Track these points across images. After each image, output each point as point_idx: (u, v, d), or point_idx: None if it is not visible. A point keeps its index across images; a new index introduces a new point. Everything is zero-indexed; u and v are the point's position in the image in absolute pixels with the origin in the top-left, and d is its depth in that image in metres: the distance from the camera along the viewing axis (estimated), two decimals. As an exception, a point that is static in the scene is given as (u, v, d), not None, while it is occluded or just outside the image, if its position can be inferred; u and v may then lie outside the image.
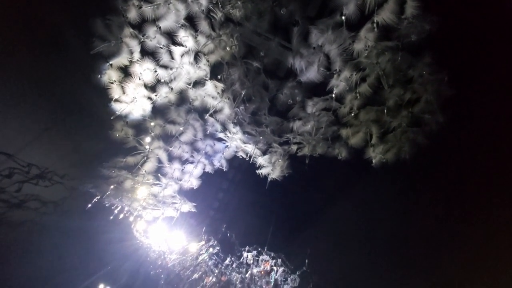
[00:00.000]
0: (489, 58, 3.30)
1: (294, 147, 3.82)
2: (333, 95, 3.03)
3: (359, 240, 4.95)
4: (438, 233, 3.74)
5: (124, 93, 3.65)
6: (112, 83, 3.53)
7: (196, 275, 5.17)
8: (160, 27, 3.19)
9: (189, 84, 3.64)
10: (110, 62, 3.39)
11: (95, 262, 6.87)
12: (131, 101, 3.66)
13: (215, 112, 3.78)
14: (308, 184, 5.12)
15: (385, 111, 3.39)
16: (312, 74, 2.73)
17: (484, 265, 3.01)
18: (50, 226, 4.93)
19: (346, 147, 3.74)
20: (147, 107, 3.78)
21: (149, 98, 3.74)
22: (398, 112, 3.46)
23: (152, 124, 3.94)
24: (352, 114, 3.33)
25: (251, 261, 4.65)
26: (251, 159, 3.91)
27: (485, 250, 3.04)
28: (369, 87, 3.09)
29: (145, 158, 4.18)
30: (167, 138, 4.15)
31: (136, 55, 3.41)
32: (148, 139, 4.06)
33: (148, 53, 3.42)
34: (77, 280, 6.63)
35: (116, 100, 3.64)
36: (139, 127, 3.98)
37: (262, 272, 4.58)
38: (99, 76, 3.41)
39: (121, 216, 5.30)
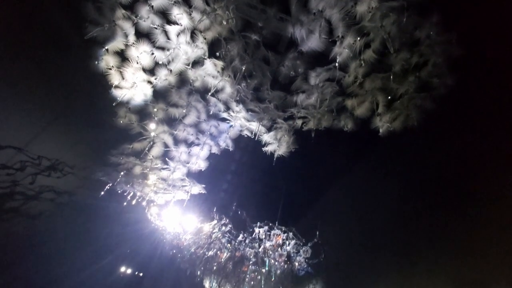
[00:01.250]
0: (501, 13, 3.11)
1: (299, 122, 3.77)
2: (337, 64, 2.92)
3: (368, 210, 5.01)
4: (447, 202, 3.74)
5: (123, 78, 3.60)
6: (110, 69, 3.47)
7: (211, 252, 5.37)
8: (152, 6, 3.07)
9: (188, 64, 3.55)
10: (106, 47, 3.31)
11: (114, 246, 7.19)
12: (131, 86, 3.62)
13: (217, 91, 3.72)
14: (315, 159, 5.11)
15: (391, 77, 3.27)
16: (313, 42, 2.62)
17: (492, 241, 3.01)
18: (67, 215, 5.10)
19: (352, 118, 3.67)
20: (148, 91, 3.74)
21: (149, 82, 3.69)
22: (404, 77, 3.34)
23: (155, 108, 3.91)
24: (357, 83, 3.23)
25: (263, 236, 4.78)
26: (256, 137, 3.89)
27: (495, 226, 3.03)
28: (374, 53, 2.97)
29: (151, 143, 4.21)
30: (171, 122, 4.14)
31: (131, 38, 3.32)
32: (152, 124, 4.05)
33: (143, 35, 3.33)
34: (99, 264, 6.98)
35: (116, 87, 3.60)
36: (142, 113, 3.96)
37: (275, 246, 4.72)
38: (96, 62, 3.35)
39: (134, 201, 5.45)
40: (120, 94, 3.58)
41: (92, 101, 4.41)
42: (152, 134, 4.23)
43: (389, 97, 3.49)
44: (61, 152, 4.46)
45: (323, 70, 3.01)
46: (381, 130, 3.68)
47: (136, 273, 10.32)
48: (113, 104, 3.45)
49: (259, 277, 4.96)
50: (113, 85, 3.59)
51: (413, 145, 4.60)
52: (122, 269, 10.14)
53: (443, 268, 3.46)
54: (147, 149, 4.21)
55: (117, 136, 4.27)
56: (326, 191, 5.91)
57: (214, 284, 6.29)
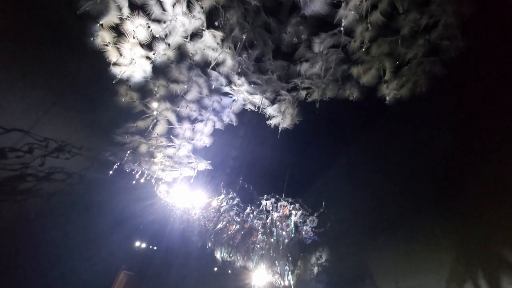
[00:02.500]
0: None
1: (303, 93, 3.69)
2: (342, 28, 2.78)
3: (373, 179, 5.05)
4: (453, 172, 3.72)
5: (121, 55, 3.50)
6: (106, 45, 3.37)
7: (220, 225, 5.56)
8: (144, -25, 2.90)
9: (186, 37, 3.42)
10: (100, 22, 3.19)
11: (126, 223, 7.49)
12: (130, 63, 3.53)
13: (217, 64, 3.61)
14: (320, 130, 5.08)
15: (400, 41, 3.12)
16: (317, 5, 2.47)
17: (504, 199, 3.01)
18: (79, 195, 5.26)
19: (358, 86, 3.57)
20: (147, 67, 3.65)
21: (148, 57, 3.59)
22: (413, 41, 3.18)
23: (156, 85, 3.84)
24: (363, 49, 3.09)
25: (270, 208, 4.91)
26: (260, 110, 3.83)
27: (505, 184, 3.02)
28: (381, 14, 2.80)
29: (154, 121, 4.19)
30: (173, 98, 4.09)
31: (126, 11, 3.17)
32: (154, 101, 4.01)
33: (137, 7, 3.18)
34: (113, 242, 7.32)
35: (115, 64, 3.52)
36: (143, 90, 3.91)
37: (282, 217, 4.86)
38: (92, 39, 3.25)
39: (143, 179, 5.56)
40: (119, 71, 3.51)
41: (92, 80, 4.34)
42: (155, 112, 4.21)
43: (397, 63, 3.36)
44: (67, 134, 4.50)
45: (327, 36, 2.87)
46: (387, 98, 3.60)
47: (150, 246, 10.87)
48: (113, 82, 3.39)
49: (267, 246, 5.17)
50: (111, 63, 3.51)
51: (421, 113, 4.51)
52: (137, 243, 10.67)
53: (446, 232, 3.53)
54: (151, 127, 4.21)
55: (120, 115, 4.25)
56: (331, 162, 5.94)
57: (224, 254, 6.60)
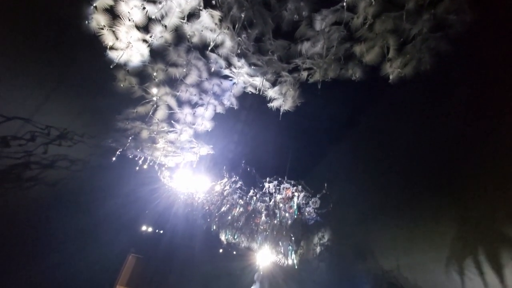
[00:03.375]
0: None
1: (304, 74, 3.61)
2: (344, 4, 2.67)
3: (376, 160, 5.05)
4: (459, 152, 3.70)
5: (117, 38, 3.41)
6: (102, 28, 3.28)
7: (224, 208, 5.66)
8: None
9: (183, 18, 3.31)
10: (94, 5, 3.09)
11: (132, 208, 7.64)
12: (127, 46, 3.45)
13: (216, 46, 3.52)
14: (322, 112, 5.03)
15: (404, 16, 3.01)
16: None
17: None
18: (83, 181, 5.33)
19: (360, 65, 3.48)
20: (145, 51, 3.56)
21: (144, 40, 3.50)
22: (418, 16, 3.06)
23: (154, 69, 3.77)
24: (367, 25, 2.99)
25: (273, 190, 4.97)
26: (261, 92, 3.78)
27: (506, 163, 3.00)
28: (385, -12, 2.68)
29: (154, 106, 4.16)
30: (172, 83, 4.03)
31: (119, -9, 3.06)
32: (153, 86, 3.95)
33: (131, -13, 3.06)
34: (120, 226, 7.51)
35: (111, 48, 3.44)
36: (142, 75, 3.84)
37: (285, 199, 4.92)
38: (87, 22, 3.15)
39: (146, 166, 5.61)
40: (116, 55, 3.43)
41: (90, 66, 4.27)
42: (155, 97, 4.16)
43: (401, 40, 3.26)
44: (68, 121, 4.48)
45: (329, 12, 2.76)
46: (391, 77, 3.52)
47: (157, 230, 11.15)
48: (111, 67, 3.33)
49: (271, 228, 5.28)
50: (108, 47, 3.43)
51: (425, 92, 4.43)
52: (144, 227, 10.94)
53: (447, 211, 3.56)
54: (151, 112, 4.18)
55: (120, 101, 4.21)
56: (333, 144, 5.92)
57: (229, 236, 6.76)
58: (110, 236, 6.99)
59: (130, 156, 5.43)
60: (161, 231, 11.16)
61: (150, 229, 11.07)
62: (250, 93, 4.18)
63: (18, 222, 3.92)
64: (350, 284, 5.09)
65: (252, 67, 3.62)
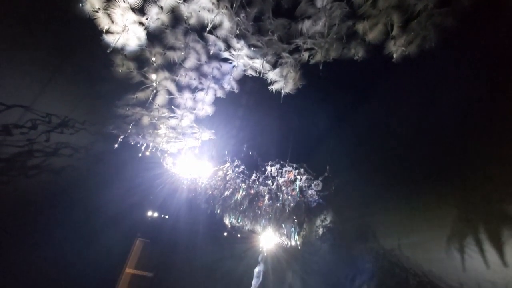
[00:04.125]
0: None
1: (305, 54, 3.52)
2: (346, -22, 2.55)
3: (379, 142, 5.03)
4: (458, 132, 3.65)
5: (112, 22, 3.33)
6: (96, 11, 3.19)
7: (227, 192, 5.72)
8: None
9: (179, -2, 3.20)
10: (87, -14, 2.99)
11: (137, 195, 7.76)
12: (123, 30, 3.36)
13: (214, 27, 3.42)
14: (323, 94, 4.95)
15: (409, -10, 2.88)
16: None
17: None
18: (88, 169, 5.39)
19: (363, 44, 3.38)
20: (141, 34, 3.48)
21: (141, 23, 3.41)
22: (424, -11, 2.94)
23: (152, 53, 3.70)
24: (370, 2, 2.87)
25: (276, 174, 4.99)
26: (261, 75, 3.71)
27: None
28: (390, -41, 2.55)
29: (154, 92, 4.11)
30: (171, 67, 3.96)
31: (112, -29, 2.95)
32: (152, 71, 3.89)
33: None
34: (126, 211, 7.66)
35: (107, 32, 3.36)
36: (140, 59, 3.78)
37: (287, 182, 4.95)
38: (81, 5, 3.06)
39: (148, 152, 5.64)
40: (112, 39, 3.36)
41: (87, 51, 4.20)
42: (154, 82, 4.11)
43: (405, 16, 3.14)
44: (68, 109, 4.47)
45: (331, -13, 2.65)
46: (395, 56, 3.42)
47: (162, 215, 11.38)
48: (107, 51, 3.26)
49: (274, 210, 5.35)
50: (104, 31, 3.35)
51: (430, 72, 4.33)
52: (149, 213, 11.17)
53: (449, 191, 3.57)
54: (151, 98, 4.14)
55: (119, 87, 4.17)
56: (336, 126, 5.87)
57: (233, 220, 6.88)
58: (117, 222, 7.16)
59: (132, 143, 5.44)
60: (166, 216, 11.39)
61: (155, 214, 11.31)
62: (250, 76, 4.11)
63: (26, 209, 4.00)
64: (352, 264, 5.21)
65: (252, 48, 3.53)
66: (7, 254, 3.89)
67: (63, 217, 4.90)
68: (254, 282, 7.74)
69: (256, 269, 7.93)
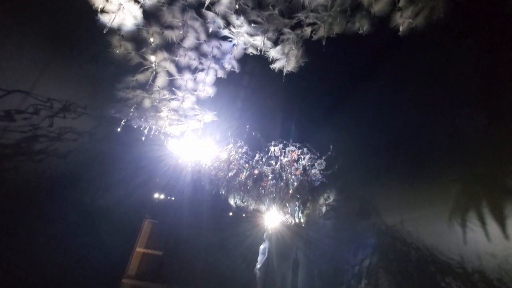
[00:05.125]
0: None
1: (308, 30, 3.39)
2: None
3: (382, 119, 4.96)
4: (462, 107, 3.56)
5: (107, 0, 3.21)
6: (89, -11, 3.07)
7: (231, 173, 5.79)
8: None
9: (175, -28, 3.06)
10: (78, -38, 2.85)
11: (143, 178, 7.89)
12: (118, 8, 3.25)
13: (213, 3, 3.28)
14: (326, 71, 4.83)
15: (418, -44, 2.71)
16: None
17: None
18: (93, 153, 5.44)
19: (368, 17, 3.23)
20: (137, 13, 3.36)
21: (136, 1, 3.28)
22: (434, -46, 2.75)
23: (149, 33, 3.59)
24: (376, -30, 2.71)
25: (279, 154, 5.00)
26: (262, 52, 3.60)
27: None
28: None
29: (154, 73, 4.05)
30: (170, 47, 3.86)
31: None
32: (150, 51, 3.80)
33: None
34: (134, 194, 7.83)
35: (102, 11, 3.25)
36: (137, 39, 3.68)
37: (290, 161, 4.98)
38: (73, -17, 2.95)
39: (151, 135, 5.65)
40: (108, 19, 3.26)
41: (82, 33, 4.10)
42: (153, 64, 4.02)
43: (413, -15, 2.98)
44: (69, 93, 4.44)
45: (334, -45, 2.49)
46: (401, 28, 3.28)
47: (168, 197, 11.65)
48: (104, 32, 3.17)
49: (277, 190, 5.43)
50: (99, 10, 3.24)
51: (437, 46, 4.17)
52: (156, 195, 11.43)
53: (453, 168, 3.55)
54: (151, 79, 4.08)
55: (118, 69, 4.11)
56: (339, 104, 5.79)
57: (237, 200, 7.02)
58: (125, 203, 7.35)
59: (135, 126, 5.45)
60: (173, 198, 11.66)
61: (162, 197, 11.57)
62: (251, 54, 3.99)
63: (35, 193, 4.10)
64: (355, 239, 5.34)
65: (252, 25, 3.40)
66: (18, 238, 4.05)
67: (72, 200, 5.03)
68: (260, 258, 8.04)
69: (262, 246, 8.20)
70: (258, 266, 8.01)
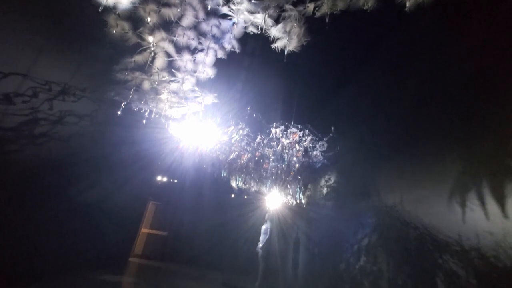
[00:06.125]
0: None
1: (310, 6, 3.26)
2: None
3: (385, 99, 4.89)
4: (466, 88, 3.48)
5: (101, -24, 3.07)
6: (82, -35, 2.93)
7: (232, 155, 5.80)
8: None
9: None
10: None
11: (145, 159, 7.96)
12: (113, -15, 3.12)
13: (211, -22, 3.14)
14: (329, 51, 4.70)
15: None
16: None
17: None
18: (95, 136, 5.45)
19: (374, -8, 3.09)
20: (133, -11, 3.23)
21: (131, -23, 3.15)
22: None
23: (146, 11, 3.47)
24: None
25: (280, 135, 4.98)
26: (263, 31, 3.49)
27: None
28: None
29: (152, 54, 3.95)
30: (168, 26, 3.74)
31: None
32: (148, 31, 3.69)
33: None
34: (138, 177, 7.93)
35: (97, -12, 3.12)
36: (134, 19, 3.56)
37: (292, 143, 4.97)
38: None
39: (152, 118, 5.61)
40: (103, -3, 3.14)
41: (78, 13, 3.97)
42: (151, 44, 3.92)
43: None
44: (67, 75, 4.37)
45: None
46: (407, 4, 3.14)
47: (171, 180, 11.81)
48: (99, 10, 3.07)
49: (279, 172, 5.47)
50: (93, -13, 3.11)
51: (443, 22, 4.02)
52: (159, 178, 11.59)
53: (454, 149, 3.53)
54: (149, 61, 3.99)
55: (116, 50, 4.01)
56: (341, 86, 5.69)
57: (239, 182, 7.10)
58: (129, 185, 7.47)
59: (135, 109, 5.41)
60: (175, 181, 11.82)
61: (164, 179, 11.73)
62: (251, 33, 3.87)
63: (38, 176, 4.15)
64: (355, 220, 5.45)
65: (253, 1, 3.27)
66: (25, 219, 4.14)
67: (76, 182, 5.11)
68: (262, 238, 8.25)
69: (263, 227, 8.40)
70: (260, 245, 8.24)
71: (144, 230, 11.08)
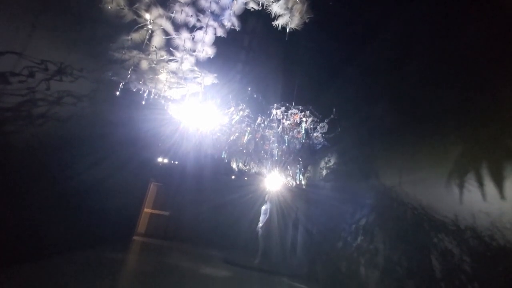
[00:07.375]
0: None
1: (314, -20, 3.11)
2: None
3: (386, 82, 4.80)
4: (468, 72, 3.38)
5: None
6: None
7: (233, 137, 5.79)
8: None
9: None
10: None
11: (146, 140, 7.97)
12: (106, -44, 2.95)
13: (209, -51, 2.97)
14: (332, 29, 4.55)
15: None
16: None
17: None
18: (95, 117, 5.41)
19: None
20: (127, -39, 3.06)
21: None
22: None
23: (142, -15, 3.31)
24: None
25: (281, 117, 4.94)
26: (264, 7, 3.35)
27: None
28: None
29: (149, 32, 3.82)
30: (165, 2, 3.59)
31: None
32: (144, 7, 3.55)
33: None
34: (139, 158, 7.98)
35: (89, -40, 2.96)
36: (130, -6, 3.41)
37: (293, 124, 4.93)
38: None
39: (151, 99, 5.54)
40: (96, -31, 2.98)
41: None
42: (148, 21, 3.78)
43: None
44: (62, 54, 4.26)
45: None
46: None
47: (172, 161, 11.89)
48: (92, -16, 2.93)
49: (279, 153, 5.48)
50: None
51: (447, 2, 3.85)
52: (160, 159, 11.66)
53: (454, 131, 3.51)
54: (147, 39, 3.87)
55: (112, 28, 3.88)
56: (344, 65, 5.56)
57: (239, 163, 7.15)
58: (130, 166, 7.54)
59: (134, 90, 5.33)
60: (176, 162, 11.91)
61: (165, 161, 11.81)
62: (252, 10, 3.72)
63: (38, 156, 4.17)
64: (353, 201, 5.54)
65: (253, -25, 3.11)
66: (26, 199, 4.21)
67: (76, 163, 5.14)
68: (262, 218, 8.44)
69: (264, 207, 8.56)
70: (260, 225, 8.45)
71: (147, 210, 11.32)
